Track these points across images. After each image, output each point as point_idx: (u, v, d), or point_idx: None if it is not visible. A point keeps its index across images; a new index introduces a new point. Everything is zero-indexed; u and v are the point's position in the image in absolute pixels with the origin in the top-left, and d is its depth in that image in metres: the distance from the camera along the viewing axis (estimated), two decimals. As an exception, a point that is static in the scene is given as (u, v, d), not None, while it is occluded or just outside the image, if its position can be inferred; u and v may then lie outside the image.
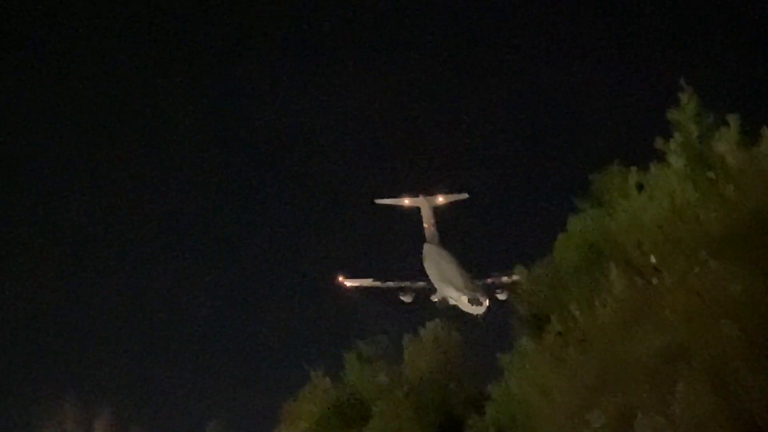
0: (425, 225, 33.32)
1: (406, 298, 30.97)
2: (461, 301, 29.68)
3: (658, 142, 28.08)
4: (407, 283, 31.39)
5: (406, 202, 32.90)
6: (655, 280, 25.49)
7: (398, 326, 35.00)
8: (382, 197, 32.32)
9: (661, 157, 27.93)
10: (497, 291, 31.60)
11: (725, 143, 26.78)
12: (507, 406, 29.07)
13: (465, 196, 30.90)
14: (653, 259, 25.79)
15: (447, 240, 32.50)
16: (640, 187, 28.11)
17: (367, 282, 31.58)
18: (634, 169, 28.53)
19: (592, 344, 25.50)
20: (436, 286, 30.95)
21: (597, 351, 25.27)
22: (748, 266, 24.14)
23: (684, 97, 27.76)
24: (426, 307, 36.77)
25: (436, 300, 31.37)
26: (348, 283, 31.53)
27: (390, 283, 31.76)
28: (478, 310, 29.10)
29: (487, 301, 28.63)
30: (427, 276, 31.50)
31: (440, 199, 33.21)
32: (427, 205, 33.12)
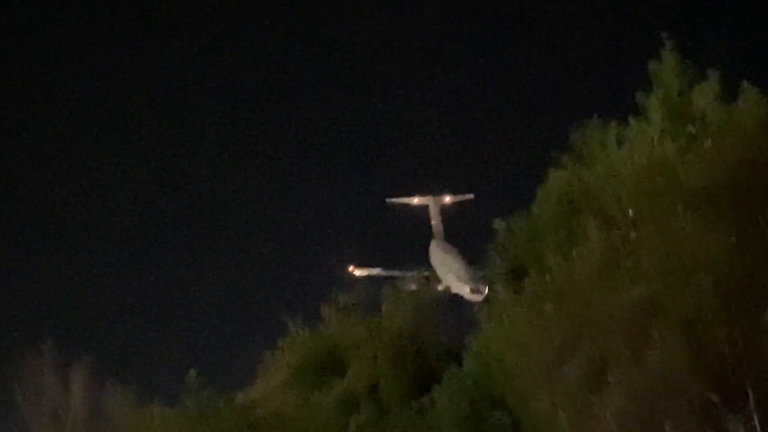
0: (432, 222, 35.74)
1: (412, 286, 33.52)
2: (463, 290, 32.05)
3: (639, 97, 28.13)
4: (413, 273, 33.78)
5: (416, 201, 35.42)
6: (632, 234, 25.59)
7: (377, 279, 35.13)
8: (393, 197, 35.00)
9: (641, 112, 27.99)
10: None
11: (705, 98, 26.83)
12: (484, 357, 29.23)
13: (471, 196, 32.84)
14: (631, 213, 25.87)
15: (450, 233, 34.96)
16: (619, 141, 28.17)
17: (375, 271, 33.84)
18: (614, 123, 28.58)
19: (568, 297, 25.61)
20: (440, 276, 33.61)
21: (573, 303, 25.40)
22: (724, 220, 24.27)
23: (665, 52, 27.76)
24: (404, 259, 37.41)
25: (439, 288, 33.87)
26: (357, 273, 33.70)
27: (397, 272, 34.13)
28: (477, 298, 31.45)
29: (486, 289, 30.68)
30: (432, 267, 34.18)
31: (447, 199, 35.66)
32: (435, 205, 35.70)
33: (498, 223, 30.96)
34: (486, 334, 29.36)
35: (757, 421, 23.97)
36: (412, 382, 31.73)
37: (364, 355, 32.34)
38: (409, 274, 33.17)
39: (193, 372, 35.11)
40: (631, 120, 27.93)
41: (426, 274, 33.09)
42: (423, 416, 30.56)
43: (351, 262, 33.17)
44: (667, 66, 27.59)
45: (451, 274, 32.39)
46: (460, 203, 34.94)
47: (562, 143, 29.88)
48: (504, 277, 30.29)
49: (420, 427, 30.51)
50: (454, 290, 31.97)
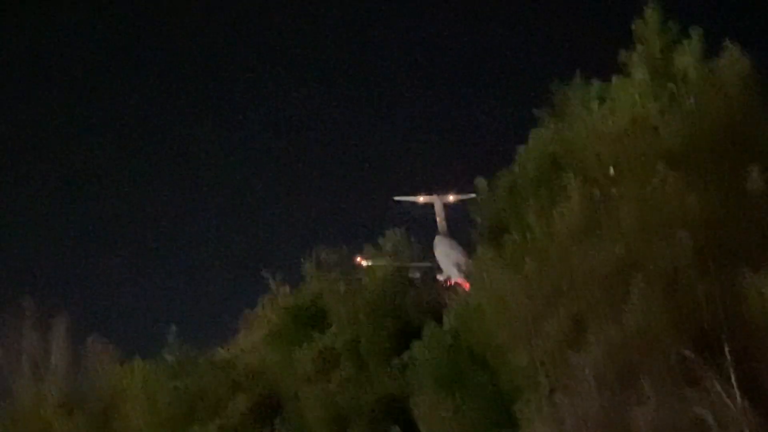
0: (438, 219, 37.23)
1: (415, 275, 35.20)
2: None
3: (621, 55, 28.09)
4: (416, 264, 35.37)
5: (421, 199, 37.00)
6: (612, 191, 25.67)
7: (358, 236, 35.37)
8: (401, 194, 36.45)
9: (623, 70, 27.98)
10: None
11: (687, 56, 26.83)
12: (464, 314, 29.33)
13: (473, 195, 33.89)
14: (611, 171, 25.94)
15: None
16: (601, 99, 28.18)
17: (381, 262, 35.13)
18: (596, 81, 28.59)
19: (548, 254, 25.71)
20: (443, 268, 35.31)
21: (553, 261, 25.50)
22: (704, 178, 24.39)
23: (648, 10, 27.71)
24: (385, 216, 37.83)
25: (441, 278, 35.55)
26: (364, 263, 34.90)
27: (403, 263, 35.55)
28: None
29: None
30: (435, 258, 36.08)
31: (451, 198, 37.07)
32: (440, 202, 37.23)
33: (479, 182, 30.98)
34: (467, 290, 29.46)
35: (733, 377, 24.18)
36: (392, 339, 31.86)
37: (344, 313, 32.42)
38: (414, 264, 34.89)
39: (173, 328, 35.29)
40: (614, 78, 27.93)
41: (428, 265, 34.99)
42: (403, 372, 30.75)
43: (359, 254, 34.45)
44: (649, 24, 27.56)
45: (452, 266, 34.08)
46: (463, 201, 36.20)
47: (544, 102, 29.90)
48: (485, 235, 30.36)
49: (400, 383, 30.70)
50: (455, 280, 33.83)
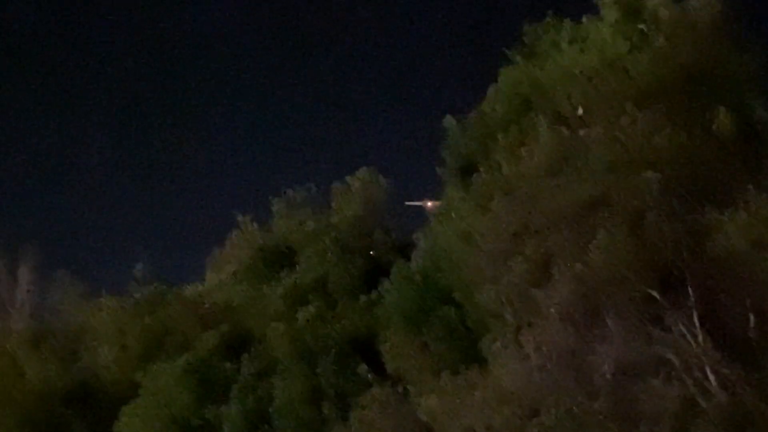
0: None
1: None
2: None
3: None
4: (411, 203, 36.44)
5: (429, 204, 37.84)
6: (581, 132, 25.75)
7: (327, 174, 35.37)
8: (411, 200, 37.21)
9: (594, 10, 27.96)
10: None
11: (659, -4, 26.80)
12: (432, 253, 29.50)
13: None
14: (581, 111, 26.00)
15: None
16: (572, 40, 28.14)
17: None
18: (567, 21, 28.51)
19: (516, 193, 25.82)
20: None
21: (521, 200, 25.62)
22: (673, 119, 24.53)
23: (620, -50, 27.61)
24: (355, 155, 37.75)
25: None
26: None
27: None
28: None
29: None
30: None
31: None
32: None
33: (448, 121, 30.94)
34: (435, 229, 29.59)
35: (696, 317, 24.51)
36: (360, 277, 32.00)
37: (313, 250, 32.46)
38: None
39: (141, 264, 35.27)
40: (585, 19, 27.89)
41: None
42: (371, 310, 30.94)
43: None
44: (621, -35, 27.46)
45: None
46: None
47: (514, 41, 29.79)
48: (454, 175, 30.38)
49: (368, 321, 30.91)
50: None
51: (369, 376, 29.73)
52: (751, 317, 24.22)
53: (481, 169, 27.79)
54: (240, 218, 34.23)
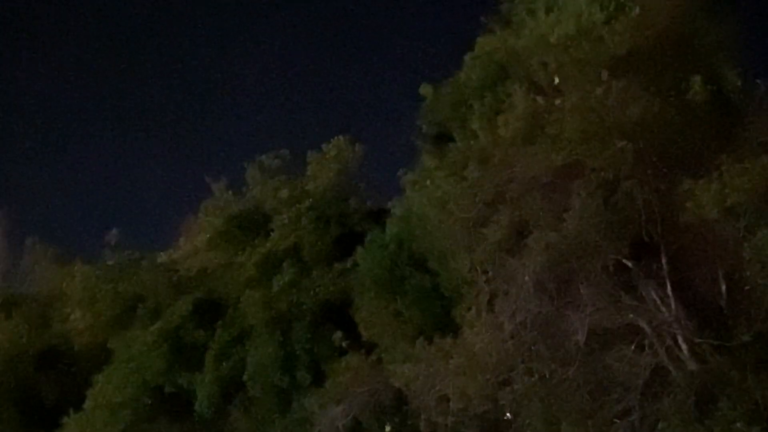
0: None
1: None
2: None
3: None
4: None
5: None
6: (557, 101, 25.76)
7: (302, 141, 35.20)
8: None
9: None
10: None
11: (635, -35, 26.74)
12: (407, 221, 29.50)
13: None
14: (556, 80, 25.99)
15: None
16: (548, 8, 28.07)
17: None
18: (544, -11, 28.41)
19: (491, 161, 25.85)
20: None
21: (496, 168, 25.64)
22: (648, 88, 24.58)
23: None
24: (330, 123, 37.59)
25: None
26: None
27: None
28: None
29: None
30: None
31: None
32: None
33: (425, 89, 30.84)
34: (410, 197, 29.55)
35: (669, 286, 24.70)
36: (334, 245, 31.96)
37: (288, 217, 32.35)
38: None
39: (114, 231, 35.07)
40: (562, -13, 27.79)
41: None
42: (345, 277, 30.95)
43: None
44: (599, -68, 27.37)
45: None
46: None
47: (491, 9, 29.69)
48: (429, 143, 30.35)
49: (342, 288, 30.92)
50: None
51: (343, 343, 29.78)
52: (723, 286, 24.42)
53: (457, 137, 27.78)
54: (214, 184, 33.94)
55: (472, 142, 26.78)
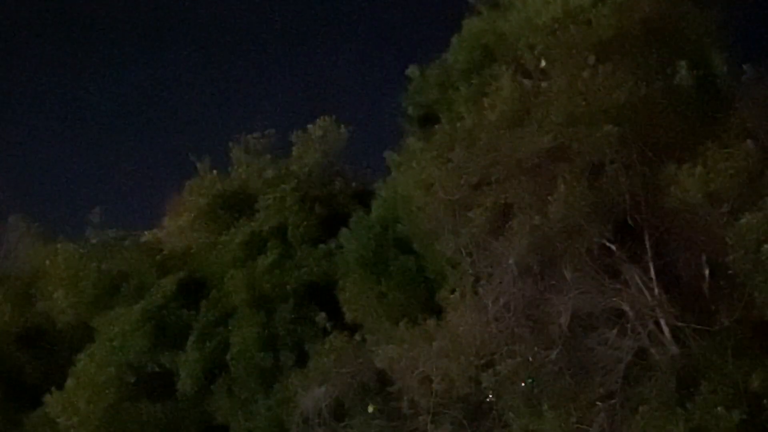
0: None
1: None
2: None
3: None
4: None
5: None
6: (543, 84, 25.76)
7: (287, 121, 35.07)
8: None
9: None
10: None
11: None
12: (392, 203, 29.50)
13: None
14: (543, 63, 25.99)
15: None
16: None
17: None
18: (532, -28, 28.36)
19: (477, 143, 25.85)
20: None
21: (482, 150, 25.64)
22: (634, 72, 24.59)
23: None
24: (316, 102, 37.52)
25: None
26: None
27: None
28: None
29: None
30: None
31: None
32: None
33: (411, 71, 30.82)
34: (395, 179, 29.56)
35: (652, 270, 24.79)
36: (319, 226, 31.93)
37: (272, 198, 32.31)
38: None
39: (97, 209, 34.95)
40: (550, -31, 27.75)
41: None
42: (329, 258, 30.94)
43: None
44: None
45: None
46: None
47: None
48: (415, 125, 30.35)
49: (326, 269, 30.91)
50: None
51: (327, 324, 29.80)
52: (706, 270, 24.52)
53: (443, 119, 27.77)
54: (198, 164, 33.85)
55: (458, 124, 26.77)
